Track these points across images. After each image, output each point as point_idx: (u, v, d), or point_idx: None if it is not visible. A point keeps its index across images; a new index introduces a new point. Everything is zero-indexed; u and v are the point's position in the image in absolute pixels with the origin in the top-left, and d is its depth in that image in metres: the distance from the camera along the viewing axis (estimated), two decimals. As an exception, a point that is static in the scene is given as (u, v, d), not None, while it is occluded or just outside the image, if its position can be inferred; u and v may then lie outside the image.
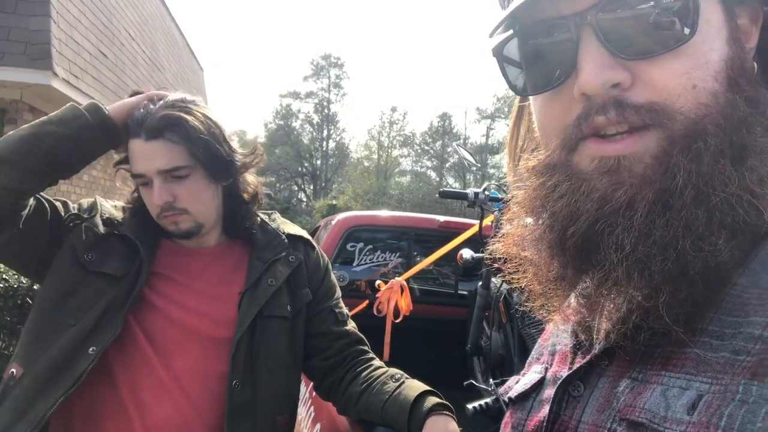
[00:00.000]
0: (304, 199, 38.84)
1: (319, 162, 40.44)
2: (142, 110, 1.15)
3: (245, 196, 1.29)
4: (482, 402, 1.92)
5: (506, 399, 0.65)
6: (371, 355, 1.34)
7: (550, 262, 0.53)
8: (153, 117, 1.14)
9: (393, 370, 1.25)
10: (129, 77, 8.23)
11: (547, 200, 0.51)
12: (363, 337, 1.37)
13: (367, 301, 2.94)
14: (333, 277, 1.41)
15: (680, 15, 0.44)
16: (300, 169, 38.95)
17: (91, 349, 1.07)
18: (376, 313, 2.76)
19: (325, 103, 40.74)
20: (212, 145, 1.16)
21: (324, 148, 40.81)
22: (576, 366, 0.54)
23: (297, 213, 29.34)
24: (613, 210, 0.45)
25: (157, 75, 10.11)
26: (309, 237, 1.40)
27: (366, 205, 24.41)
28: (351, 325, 1.37)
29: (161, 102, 1.17)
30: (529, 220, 0.55)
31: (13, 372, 1.08)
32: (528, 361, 0.68)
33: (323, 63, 40.95)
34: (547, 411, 0.55)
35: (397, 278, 2.81)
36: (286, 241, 1.33)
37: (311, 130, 41.16)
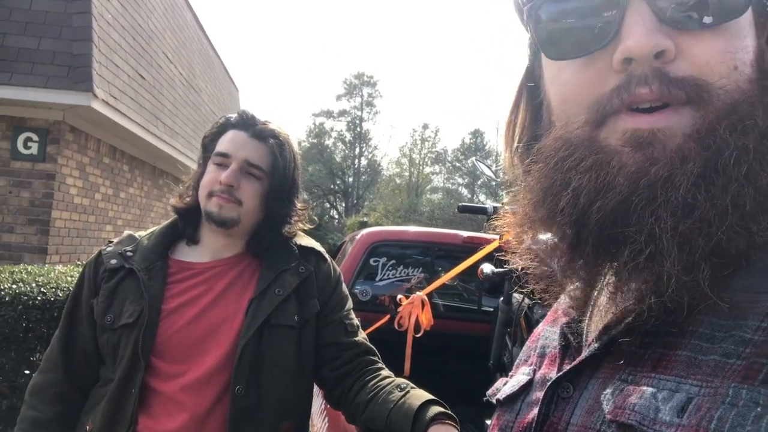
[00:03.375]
0: (336, 216, 39.11)
1: (351, 179, 40.75)
2: (250, 114, 1.36)
3: (285, 231, 1.38)
4: None
5: (494, 401, 0.65)
6: (380, 365, 1.36)
7: (564, 241, 0.51)
8: (266, 125, 1.35)
9: (400, 380, 1.26)
10: (167, 98, 8.51)
11: (568, 175, 0.48)
12: (373, 347, 1.39)
13: (388, 316, 2.95)
14: (344, 288, 1.44)
15: None
16: (332, 186, 39.28)
17: (132, 389, 1.20)
18: (397, 328, 2.78)
19: (357, 122, 41.15)
20: (288, 176, 1.35)
21: (356, 166, 41.12)
22: (566, 367, 0.53)
23: (329, 230, 29.53)
24: (650, 184, 0.43)
25: (194, 96, 10.41)
26: (321, 249, 1.45)
27: (397, 222, 24.44)
28: (361, 336, 1.40)
29: (277, 123, 1.39)
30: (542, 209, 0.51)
31: (87, 427, 1.24)
32: (516, 363, 0.68)
33: (356, 82, 41.48)
34: (536, 413, 0.54)
35: (418, 293, 2.82)
36: (297, 252, 1.38)
37: (343, 147, 41.56)
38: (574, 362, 0.52)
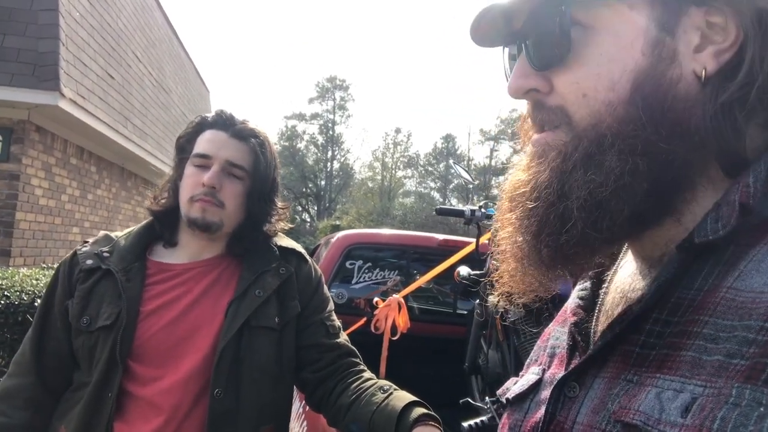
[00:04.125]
0: (308, 220, 38.89)
1: (323, 183, 40.61)
2: (228, 113, 1.33)
3: (266, 230, 1.37)
4: (478, 420, 1.92)
5: (503, 400, 0.66)
6: (362, 367, 1.35)
7: (517, 236, 0.56)
8: (245, 125, 1.33)
9: (382, 382, 1.26)
10: (135, 98, 8.35)
11: (510, 184, 0.58)
12: (354, 349, 1.38)
13: (365, 319, 2.94)
14: (325, 290, 1.43)
15: (558, 37, 0.51)
16: (304, 189, 39.08)
17: (109, 393, 1.17)
18: (373, 331, 2.77)
19: (329, 125, 41.06)
20: (269, 176, 1.34)
21: (328, 169, 41.00)
22: (572, 366, 0.54)
23: (301, 233, 29.35)
24: (540, 190, 0.52)
25: (164, 96, 10.24)
26: (302, 250, 1.43)
27: (369, 226, 24.41)
28: (343, 338, 1.39)
29: (251, 120, 1.36)
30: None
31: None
32: (527, 362, 0.68)
33: (328, 85, 41.39)
34: (543, 412, 0.55)
35: (394, 296, 2.82)
36: (277, 253, 1.36)
37: (316, 151, 41.43)
38: (579, 361, 0.53)
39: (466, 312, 3.20)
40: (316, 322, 1.35)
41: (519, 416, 0.60)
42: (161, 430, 1.17)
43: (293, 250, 1.40)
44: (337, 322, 1.41)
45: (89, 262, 1.26)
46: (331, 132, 41.02)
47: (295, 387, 1.38)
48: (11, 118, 5.73)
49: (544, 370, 0.62)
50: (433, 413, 1.13)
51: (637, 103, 0.48)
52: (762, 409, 0.37)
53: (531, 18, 0.53)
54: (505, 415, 0.64)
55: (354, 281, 3.30)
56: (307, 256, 1.43)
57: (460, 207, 2.74)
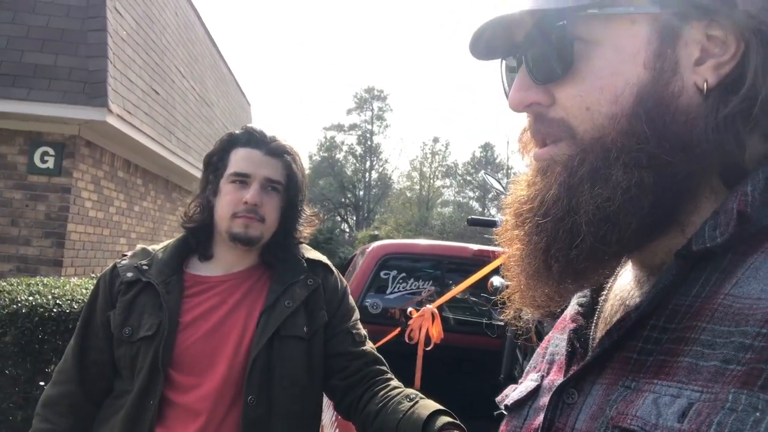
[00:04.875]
0: (347, 230, 39.15)
1: (361, 193, 40.86)
2: (260, 130, 1.39)
3: (295, 237, 1.43)
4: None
5: (502, 407, 0.66)
6: (389, 375, 1.38)
7: (527, 252, 0.56)
8: (278, 141, 1.38)
9: (409, 390, 1.28)
10: (179, 113, 8.62)
11: (513, 198, 0.59)
12: (381, 357, 1.41)
13: (399, 329, 2.96)
14: (351, 300, 1.47)
15: (562, 50, 0.51)
16: (343, 200, 39.40)
17: (151, 401, 1.22)
18: (407, 341, 2.78)
19: (368, 135, 41.35)
20: (300, 187, 1.41)
21: (367, 179, 41.25)
22: (571, 373, 0.55)
23: (340, 243, 29.58)
24: (547, 207, 0.52)
25: (207, 110, 10.54)
26: (328, 262, 1.48)
27: (408, 236, 24.42)
28: (369, 346, 1.42)
29: (281, 136, 1.42)
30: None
31: None
32: (526, 369, 0.69)
33: (366, 96, 41.75)
34: (542, 418, 0.55)
35: (428, 306, 2.83)
36: (305, 265, 1.41)
37: (354, 161, 41.75)
38: (578, 368, 0.54)
39: (502, 323, 3.18)
40: (342, 331, 1.38)
41: (517, 423, 0.61)
42: None
43: (320, 262, 1.45)
44: (363, 331, 1.44)
45: (129, 274, 1.32)
46: (369, 142, 41.30)
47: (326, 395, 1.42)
48: (63, 134, 6.00)
49: (542, 377, 0.62)
50: (458, 422, 1.14)
51: (640, 116, 0.48)
52: (758, 414, 0.37)
53: (533, 32, 0.53)
54: (504, 422, 0.64)
55: (389, 291, 3.32)
56: (333, 268, 1.47)
57: (494, 217, 2.74)
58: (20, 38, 5.85)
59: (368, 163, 41.42)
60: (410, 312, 2.88)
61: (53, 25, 5.93)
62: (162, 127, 7.64)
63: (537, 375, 0.63)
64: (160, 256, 1.37)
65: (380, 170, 42.12)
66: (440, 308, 2.85)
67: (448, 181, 42.95)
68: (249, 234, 1.32)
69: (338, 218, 40.22)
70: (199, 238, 1.39)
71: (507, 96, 0.60)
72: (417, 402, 1.21)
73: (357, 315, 1.46)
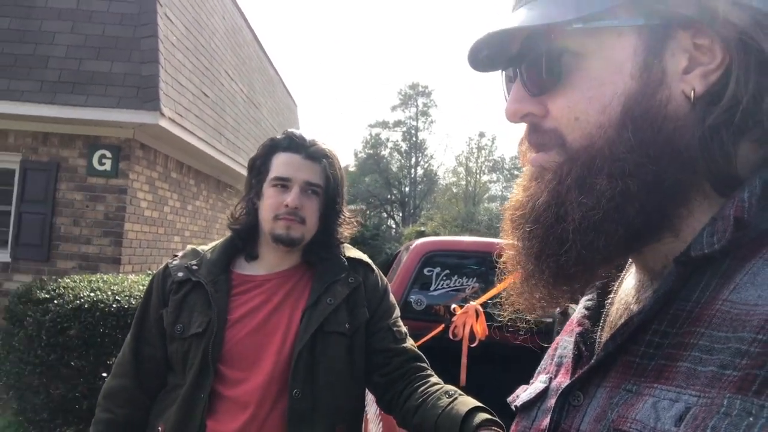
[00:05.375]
0: (393, 226, 39.25)
1: (407, 189, 40.85)
2: (300, 132, 1.44)
3: (336, 237, 1.47)
4: None
5: (513, 407, 0.68)
6: (429, 371, 1.40)
7: (520, 257, 0.57)
8: (317, 146, 1.42)
9: (448, 387, 1.30)
10: (228, 114, 8.86)
11: (526, 198, 0.60)
12: (421, 354, 1.44)
13: (443, 326, 2.97)
14: (392, 297, 1.50)
15: (549, 64, 0.53)
16: (389, 196, 39.50)
17: (202, 394, 1.28)
18: (451, 337, 2.79)
19: (413, 131, 41.29)
20: (339, 190, 1.46)
21: (412, 175, 41.20)
22: (576, 376, 0.56)
23: (386, 240, 29.69)
24: (538, 213, 0.54)
25: (254, 111, 10.78)
26: (369, 261, 1.51)
27: (454, 232, 24.29)
28: (409, 343, 1.45)
29: (320, 140, 1.47)
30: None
31: (159, 429, 1.34)
32: (537, 371, 0.70)
33: (411, 92, 41.66)
34: (549, 420, 0.57)
35: (472, 303, 2.83)
36: (346, 263, 1.45)
37: (399, 157, 41.77)
38: (583, 371, 0.55)
39: (550, 320, 3.15)
40: (383, 328, 1.42)
41: (527, 423, 0.63)
42: (247, 426, 1.27)
43: (361, 261, 1.48)
44: (404, 329, 1.47)
45: (180, 274, 1.39)
46: (414, 138, 41.24)
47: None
48: (119, 137, 6.27)
49: (551, 379, 0.63)
50: (496, 419, 1.16)
51: (627, 125, 0.49)
52: (751, 419, 0.38)
53: (524, 45, 0.55)
54: (514, 422, 0.66)
55: (432, 288, 3.34)
56: (374, 266, 1.51)
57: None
58: (78, 47, 6.14)
59: (413, 159, 41.37)
60: (454, 309, 2.89)
61: (108, 34, 6.19)
62: (212, 129, 7.87)
63: (546, 377, 0.65)
64: (209, 256, 1.43)
65: (426, 166, 42.01)
66: (484, 305, 2.85)
67: (494, 176, 42.50)
68: (291, 235, 1.37)
69: (384, 215, 40.36)
70: (244, 239, 1.45)
71: None
72: (456, 398, 1.23)
73: (397, 313, 1.49)
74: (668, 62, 0.50)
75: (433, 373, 1.40)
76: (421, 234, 21.72)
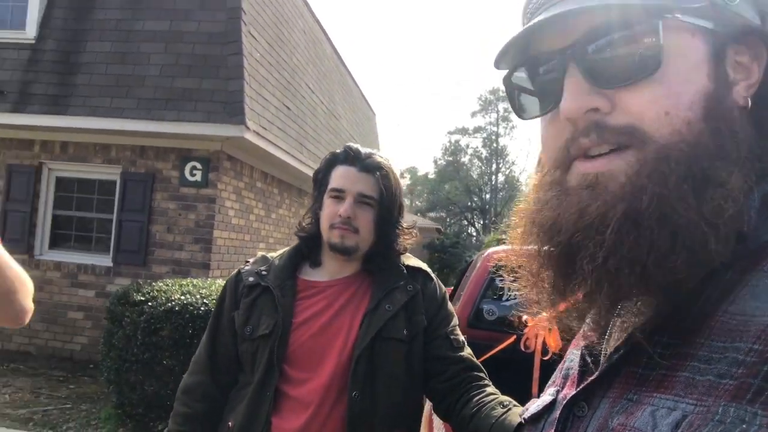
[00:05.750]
0: (474, 234, 38.80)
1: (488, 196, 40.33)
2: (357, 146, 1.51)
3: (395, 248, 1.52)
4: None
5: (522, 420, 0.69)
6: (486, 381, 1.41)
7: (542, 271, 0.57)
8: (372, 158, 1.48)
9: (503, 397, 1.30)
10: (309, 126, 9.16)
11: (538, 215, 0.56)
12: (479, 363, 1.45)
13: (514, 337, 2.93)
14: (450, 306, 1.52)
15: (646, 51, 0.49)
16: (469, 203, 39.15)
17: (268, 393, 1.37)
18: (523, 349, 2.75)
19: (493, 137, 40.74)
20: (394, 202, 1.50)
21: (493, 182, 40.63)
22: (581, 387, 0.57)
23: (466, 247, 29.38)
24: (587, 224, 0.50)
25: (334, 122, 11.08)
26: (428, 269, 1.54)
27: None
28: (467, 352, 1.46)
29: (376, 151, 1.53)
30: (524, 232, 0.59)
31: (229, 424, 1.42)
32: (547, 384, 0.71)
33: (491, 97, 41.15)
34: (554, 431, 0.58)
35: (544, 314, 2.77)
36: (405, 272, 1.48)
37: (480, 164, 41.35)
38: (587, 382, 0.56)
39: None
40: (441, 336, 1.44)
41: None
42: (309, 424, 1.34)
43: (419, 269, 1.52)
44: (461, 338, 1.48)
45: (251, 279, 1.48)
46: (495, 144, 40.67)
47: None
48: (208, 150, 6.66)
49: (558, 392, 0.64)
50: None
51: (709, 125, 0.49)
52: (744, 426, 0.39)
53: (598, 31, 0.51)
54: None
55: (505, 298, 3.30)
56: (433, 275, 1.54)
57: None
58: (171, 66, 6.59)
59: (494, 166, 40.80)
60: (526, 320, 2.84)
61: (197, 52, 6.60)
62: (294, 140, 8.17)
63: (554, 389, 0.66)
64: (277, 263, 1.51)
65: (507, 173, 41.31)
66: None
67: (579, 182, 40.97)
68: (345, 244, 1.43)
69: (465, 222, 40.00)
70: (309, 246, 1.52)
71: (519, 110, 0.60)
72: (510, 409, 1.23)
73: (455, 321, 1.51)
74: (728, 70, 0.52)
75: (489, 383, 1.41)
76: (502, 242, 21.33)
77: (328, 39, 11.56)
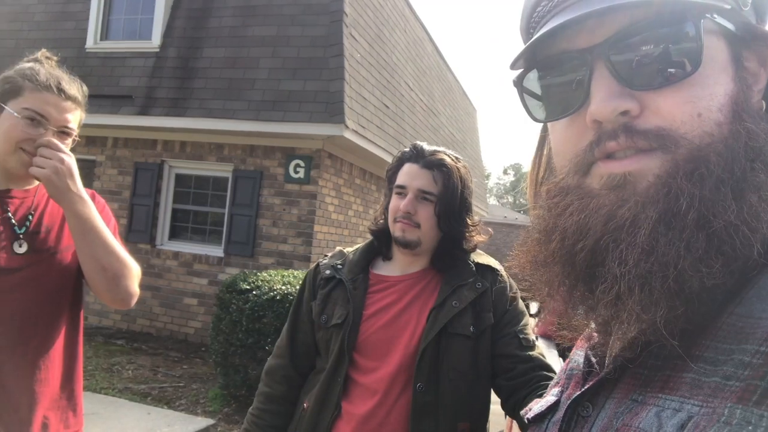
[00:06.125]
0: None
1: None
2: (423, 144, 1.55)
3: (465, 246, 1.55)
4: None
5: (525, 420, 0.68)
6: None
7: (562, 278, 0.55)
8: (435, 155, 1.52)
9: None
10: (407, 123, 9.28)
11: (559, 219, 0.54)
12: (549, 364, 1.44)
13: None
14: (520, 304, 1.52)
15: (685, 51, 0.48)
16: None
17: (339, 378, 1.46)
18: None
19: (603, 133, 38.72)
20: (456, 197, 1.51)
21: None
22: (586, 387, 0.56)
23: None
24: (617, 226, 0.48)
25: (433, 119, 11.12)
26: (498, 267, 1.56)
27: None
28: (537, 352, 1.46)
29: (442, 148, 1.56)
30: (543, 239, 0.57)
31: (305, 405, 1.52)
32: (550, 384, 0.70)
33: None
34: (557, 430, 0.58)
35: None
36: (474, 269, 1.51)
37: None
38: (592, 382, 0.56)
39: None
40: (509, 334, 1.45)
41: None
42: (375, 410, 1.41)
43: (489, 267, 1.54)
44: (532, 337, 1.48)
45: (327, 272, 1.58)
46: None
47: None
48: (311, 148, 6.97)
49: (562, 392, 0.64)
50: None
51: (739, 126, 0.48)
52: (750, 427, 0.39)
53: (637, 30, 0.49)
54: None
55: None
56: (503, 273, 1.55)
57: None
58: (278, 69, 6.96)
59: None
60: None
61: (302, 55, 6.92)
62: (392, 138, 8.32)
63: (557, 390, 0.66)
64: (352, 257, 1.60)
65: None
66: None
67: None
68: (406, 238, 1.49)
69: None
70: (381, 241, 1.60)
71: (532, 112, 0.59)
72: None
73: (526, 321, 1.51)
74: (746, 74, 0.52)
75: None
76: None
77: (429, 36, 11.61)
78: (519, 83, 0.59)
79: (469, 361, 1.43)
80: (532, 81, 0.58)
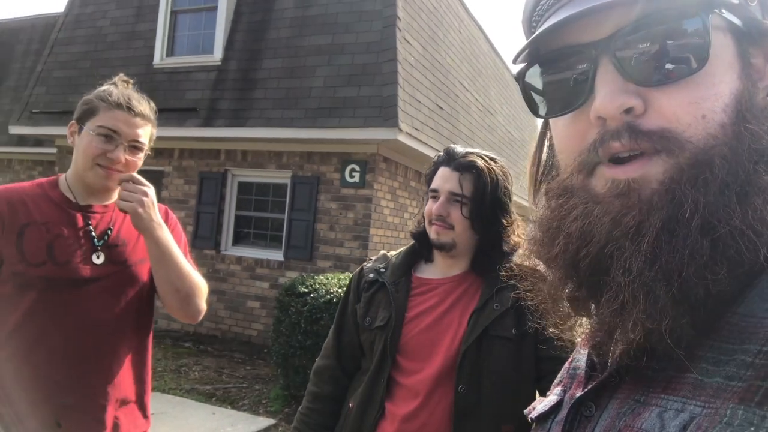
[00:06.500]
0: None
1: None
2: (458, 147, 1.58)
3: (504, 247, 1.54)
4: None
5: (529, 419, 0.68)
6: None
7: (564, 282, 0.55)
8: (466, 157, 1.54)
9: None
10: (462, 124, 9.23)
11: (563, 222, 0.53)
12: None
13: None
14: None
15: (692, 47, 0.47)
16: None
17: (382, 380, 1.50)
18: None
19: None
20: (486, 199, 1.51)
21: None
22: (588, 387, 0.56)
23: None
24: (622, 234, 0.47)
25: (489, 119, 11.00)
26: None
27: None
28: None
29: (476, 150, 1.59)
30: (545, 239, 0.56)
31: (350, 405, 1.57)
32: (553, 384, 0.70)
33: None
34: (560, 430, 0.58)
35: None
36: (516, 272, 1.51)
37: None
38: (594, 383, 0.56)
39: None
40: (552, 338, 1.44)
41: None
42: (417, 411, 1.44)
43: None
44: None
45: (371, 275, 1.63)
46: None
47: None
48: (366, 153, 7.06)
49: (564, 392, 0.64)
50: None
51: (743, 128, 0.47)
52: (752, 428, 0.39)
53: (645, 23, 0.48)
54: None
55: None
56: None
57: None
58: (333, 77, 7.09)
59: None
60: None
61: (356, 62, 7.02)
62: (446, 140, 8.29)
63: (560, 389, 0.66)
64: (394, 260, 1.64)
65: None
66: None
67: None
68: (441, 240, 1.52)
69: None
70: (422, 244, 1.63)
71: (535, 107, 0.58)
72: None
73: None
74: (751, 70, 0.51)
75: None
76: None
77: (484, 35, 11.50)
78: (521, 78, 0.58)
79: (511, 363, 1.43)
80: (535, 76, 0.57)
